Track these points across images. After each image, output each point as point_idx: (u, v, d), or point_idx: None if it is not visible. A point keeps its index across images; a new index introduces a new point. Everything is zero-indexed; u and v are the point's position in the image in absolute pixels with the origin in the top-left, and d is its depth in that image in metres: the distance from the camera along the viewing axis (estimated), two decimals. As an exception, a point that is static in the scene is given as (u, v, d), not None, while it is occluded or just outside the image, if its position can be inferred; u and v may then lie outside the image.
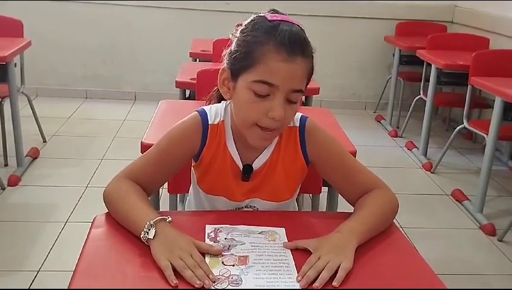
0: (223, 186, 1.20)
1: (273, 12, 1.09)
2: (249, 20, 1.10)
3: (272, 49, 1.03)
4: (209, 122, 1.17)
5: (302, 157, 1.20)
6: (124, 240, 1.01)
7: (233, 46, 1.10)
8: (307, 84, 1.10)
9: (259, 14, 1.10)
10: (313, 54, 1.08)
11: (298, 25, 1.08)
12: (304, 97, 2.38)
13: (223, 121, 1.18)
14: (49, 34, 4.23)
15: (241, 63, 1.07)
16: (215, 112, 1.19)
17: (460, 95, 3.33)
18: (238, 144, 1.18)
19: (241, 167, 1.18)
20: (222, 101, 1.22)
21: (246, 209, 1.23)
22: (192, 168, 1.27)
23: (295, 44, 1.03)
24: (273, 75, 1.03)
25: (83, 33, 4.31)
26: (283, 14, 1.10)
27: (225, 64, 1.12)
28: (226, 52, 1.12)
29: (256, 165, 1.19)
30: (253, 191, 1.20)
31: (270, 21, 1.06)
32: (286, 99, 1.06)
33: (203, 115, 1.18)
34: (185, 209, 1.45)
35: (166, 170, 1.18)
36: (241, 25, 1.11)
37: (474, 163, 3.54)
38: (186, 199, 1.44)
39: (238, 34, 1.10)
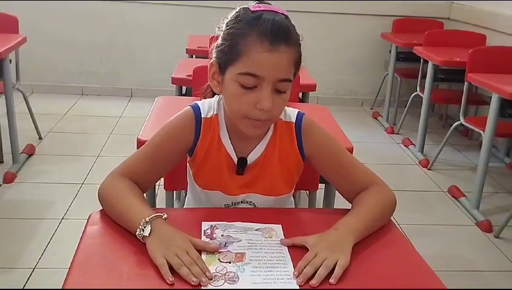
0: (218, 180, 1.19)
1: (257, 3, 1.09)
2: (233, 13, 1.10)
3: (254, 40, 1.02)
4: (202, 116, 1.17)
5: (298, 153, 1.20)
6: (120, 237, 1.01)
7: (219, 40, 1.10)
8: (296, 72, 1.10)
9: (243, 6, 1.10)
10: (300, 42, 1.08)
11: (282, 13, 1.07)
12: (300, 94, 2.37)
13: (216, 114, 1.18)
14: (45, 30, 4.21)
15: (227, 56, 1.07)
16: (208, 105, 1.19)
17: (457, 92, 3.33)
18: (232, 137, 1.18)
19: (235, 160, 1.18)
20: (216, 95, 1.22)
21: (243, 204, 1.22)
22: (187, 164, 1.26)
23: (277, 33, 1.02)
24: (258, 67, 1.02)
25: (79, 29, 4.29)
26: (268, 3, 1.09)
27: (213, 59, 1.12)
28: (213, 46, 1.12)
29: (251, 158, 1.18)
30: (249, 185, 1.20)
31: (252, 12, 1.06)
32: (274, 89, 1.05)
33: (196, 108, 1.18)
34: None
35: (161, 166, 1.18)
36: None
37: (470, 160, 3.55)
38: (184, 197, 1.43)
39: (223, 28, 1.10)
